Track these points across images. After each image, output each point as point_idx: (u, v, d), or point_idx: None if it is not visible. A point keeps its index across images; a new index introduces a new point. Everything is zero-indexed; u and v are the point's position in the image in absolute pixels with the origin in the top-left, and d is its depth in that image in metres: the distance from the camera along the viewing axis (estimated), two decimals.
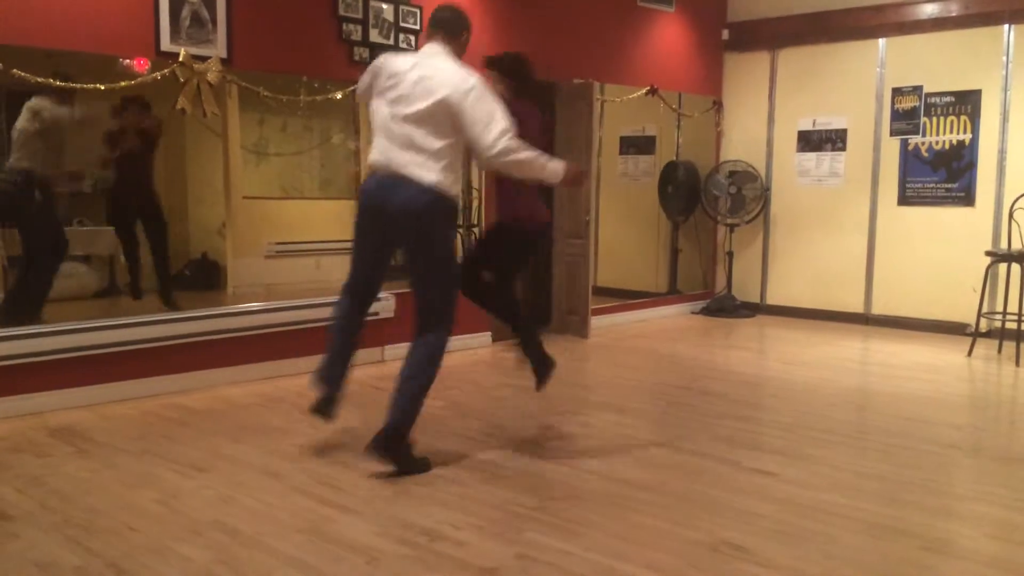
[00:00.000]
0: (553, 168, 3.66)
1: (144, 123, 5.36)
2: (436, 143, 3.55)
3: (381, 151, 3.64)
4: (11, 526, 3.06)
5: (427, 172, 3.53)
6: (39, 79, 4.53)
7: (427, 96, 3.54)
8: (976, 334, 6.69)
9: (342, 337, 3.93)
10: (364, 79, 3.85)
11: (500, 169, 3.69)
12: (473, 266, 4.39)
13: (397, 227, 3.62)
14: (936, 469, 3.88)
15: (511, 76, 4.23)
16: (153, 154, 5.51)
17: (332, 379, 3.92)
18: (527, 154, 3.57)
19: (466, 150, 3.71)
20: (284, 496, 3.39)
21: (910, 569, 2.83)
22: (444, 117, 3.53)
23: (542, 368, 4.30)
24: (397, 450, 3.62)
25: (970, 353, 6.53)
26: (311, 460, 3.84)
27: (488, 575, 2.73)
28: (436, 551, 2.90)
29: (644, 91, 7.78)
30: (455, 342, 6.23)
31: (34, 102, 4.80)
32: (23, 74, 4.45)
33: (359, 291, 3.94)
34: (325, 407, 3.91)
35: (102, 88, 4.78)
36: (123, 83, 4.84)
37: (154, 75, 4.90)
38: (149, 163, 5.51)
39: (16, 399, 4.48)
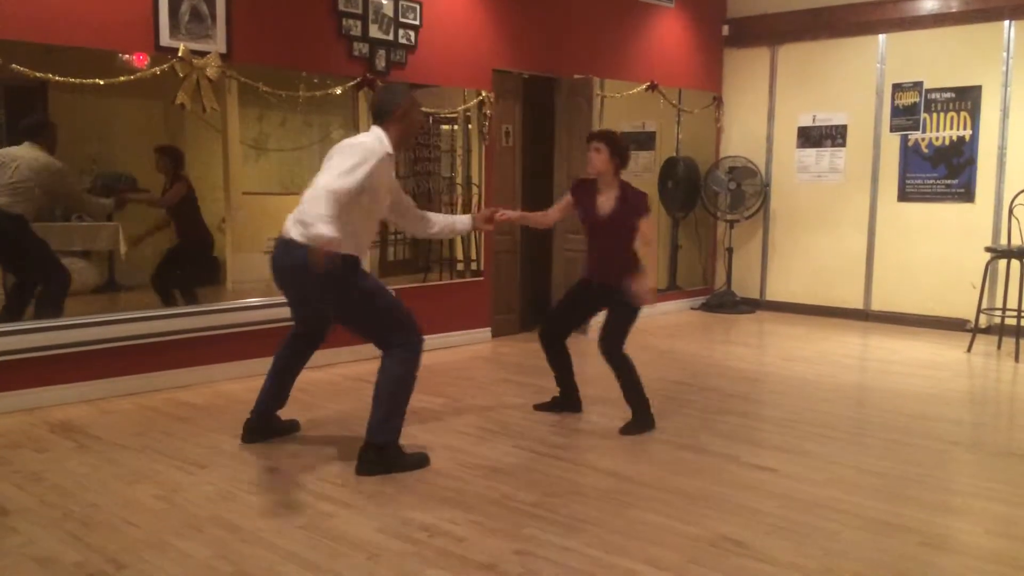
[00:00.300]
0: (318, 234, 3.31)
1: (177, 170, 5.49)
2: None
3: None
4: (10, 521, 3.06)
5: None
6: (38, 74, 4.52)
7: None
8: (976, 330, 6.69)
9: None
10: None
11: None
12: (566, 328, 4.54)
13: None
14: (935, 465, 3.89)
15: (619, 155, 4.31)
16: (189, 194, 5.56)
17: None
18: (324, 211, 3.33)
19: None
20: (284, 492, 3.39)
21: (909, 564, 2.84)
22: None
23: (641, 422, 4.33)
24: (384, 464, 3.62)
25: (970, 349, 6.53)
26: (311, 456, 3.84)
27: (487, 571, 2.73)
28: (436, 547, 2.90)
29: (644, 87, 7.77)
30: (450, 338, 6.27)
31: (28, 153, 4.81)
32: (22, 69, 4.44)
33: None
34: (251, 434, 4.05)
35: (101, 83, 4.77)
36: (122, 78, 4.83)
37: (153, 70, 4.89)
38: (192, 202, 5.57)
39: (16, 394, 4.48)
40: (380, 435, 3.63)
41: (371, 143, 3.62)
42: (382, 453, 3.63)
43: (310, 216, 3.29)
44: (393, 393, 3.67)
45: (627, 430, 4.26)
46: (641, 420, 4.31)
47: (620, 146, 4.28)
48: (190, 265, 5.66)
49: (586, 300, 4.46)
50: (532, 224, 4.73)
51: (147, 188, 5.46)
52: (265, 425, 4.08)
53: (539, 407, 4.65)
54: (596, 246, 4.38)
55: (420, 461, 3.74)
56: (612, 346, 4.27)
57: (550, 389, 4.68)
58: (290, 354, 4.11)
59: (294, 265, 3.54)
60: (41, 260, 4.96)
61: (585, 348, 4.36)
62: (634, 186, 4.37)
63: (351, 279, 3.64)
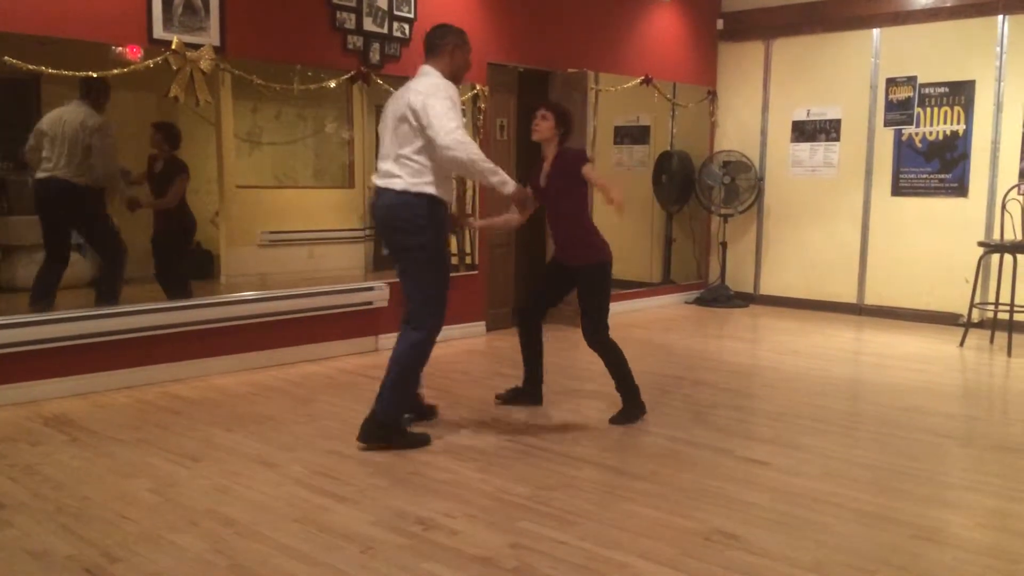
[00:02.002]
0: (501, 181, 3.85)
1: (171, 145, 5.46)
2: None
3: None
4: (4, 514, 3.06)
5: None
6: (31, 66, 4.50)
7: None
8: (968, 324, 6.72)
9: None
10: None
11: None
12: (539, 308, 4.52)
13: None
14: (928, 458, 3.90)
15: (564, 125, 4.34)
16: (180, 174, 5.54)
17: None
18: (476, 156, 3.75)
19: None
20: (279, 485, 3.40)
21: (902, 557, 2.85)
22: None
23: (632, 411, 4.34)
24: (381, 435, 3.80)
25: (962, 343, 6.55)
26: (305, 449, 3.84)
27: (482, 564, 2.74)
28: (430, 540, 2.91)
29: (639, 81, 7.77)
30: (446, 331, 6.26)
31: (101, 124, 4.99)
32: (15, 61, 4.42)
33: None
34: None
35: (95, 76, 4.75)
36: (115, 71, 4.81)
37: (147, 63, 4.87)
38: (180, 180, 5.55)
39: (10, 387, 4.48)
40: (383, 408, 3.81)
41: (437, 82, 3.80)
42: (384, 426, 3.80)
43: (478, 174, 3.78)
44: (402, 370, 3.84)
45: (617, 419, 4.28)
46: (631, 409, 4.32)
47: (566, 116, 4.32)
48: (173, 251, 5.62)
49: (557, 279, 4.44)
50: (499, 227, 4.77)
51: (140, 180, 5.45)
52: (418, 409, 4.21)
53: (501, 399, 4.61)
54: (550, 220, 4.37)
55: (421, 440, 3.87)
56: (595, 331, 4.25)
57: (545, 384, 4.67)
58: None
59: (401, 214, 3.77)
60: (103, 236, 5.14)
61: (578, 339, 4.36)
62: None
63: (445, 226, 3.90)
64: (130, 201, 5.32)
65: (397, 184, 3.76)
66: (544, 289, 4.52)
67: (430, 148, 3.74)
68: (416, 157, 3.77)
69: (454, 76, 3.94)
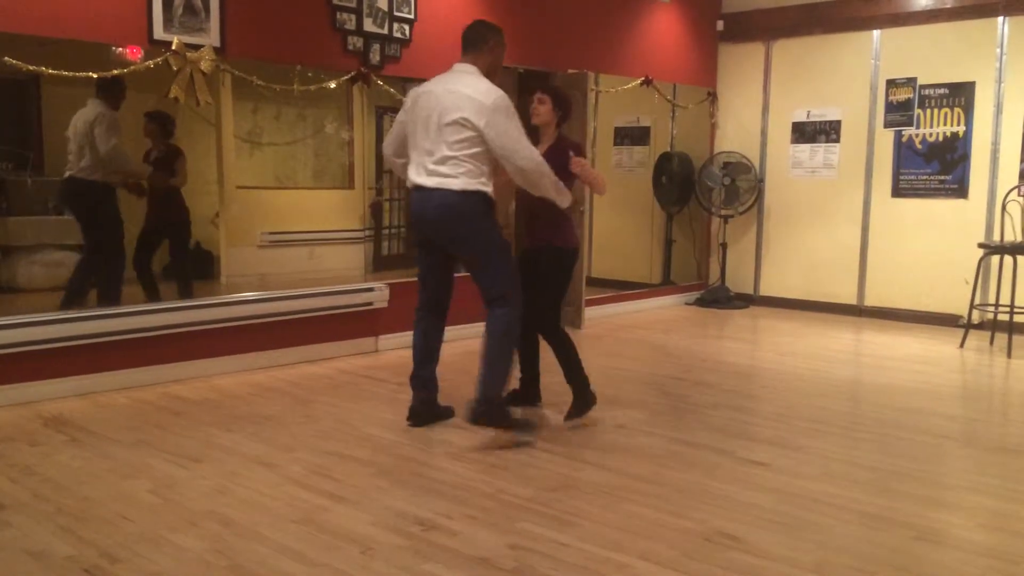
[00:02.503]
0: (560, 194, 4.06)
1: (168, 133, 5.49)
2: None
3: None
4: (3, 515, 3.06)
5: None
6: (31, 67, 4.50)
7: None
8: (968, 326, 6.72)
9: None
10: None
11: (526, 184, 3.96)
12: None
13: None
14: (928, 459, 3.90)
15: (561, 107, 4.30)
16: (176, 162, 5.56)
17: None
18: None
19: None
20: (278, 486, 3.39)
21: (903, 558, 2.85)
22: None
23: (582, 402, 4.30)
24: (490, 416, 3.88)
25: (962, 345, 6.55)
26: (305, 450, 3.84)
27: (482, 565, 2.73)
28: (430, 541, 2.90)
29: (639, 82, 7.77)
30: (450, 332, 6.26)
31: (106, 116, 5.03)
32: (15, 62, 4.42)
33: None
34: (417, 416, 4.22)
35: (95, 76, 4.75)
36: (116, 71, 4.81)
37: (147, 63, 4.87)
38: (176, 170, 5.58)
39: (9, 388, 4.47)
40: (483, 389, 3.89)
41: (493, 91, 3.84)
42: (488, 401, 3.86)
43: (543, 188, 3.94)
44: (498, 347, 3.92)
45: (570, 415, 4.25)
46: (582, 401, 4.28)
47: (564, 100, 4.28)
48: (171, 244, 5.62)
49: (531, 274, 4.25)
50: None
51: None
52: (429, 411, 4.23)
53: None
54: (528, 204, 4.24)
55: (527, 424, 3.99)
56: (542, 317, 4.22)
57: (545, 384, 4.66)
58: (431, 330, 4.24)
59: (463, 212, 3.85)
60: (106, 238, 5.17)
61: (579, 340, 4.36)
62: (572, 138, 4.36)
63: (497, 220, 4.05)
64: (138, 186, 5.34)
65: (455, 184, 3.82)
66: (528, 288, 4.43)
67: (486, 154, 3.84)
68: (472, 160, 3.83)
69: (489, 75, 3.96)
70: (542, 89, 4.34)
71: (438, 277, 4.18)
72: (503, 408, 3.96)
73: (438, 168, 3.85)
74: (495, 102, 3.80)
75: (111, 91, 5.05)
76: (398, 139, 4.15)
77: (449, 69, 4.03)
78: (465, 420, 3.93)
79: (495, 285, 3.96)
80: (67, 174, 5.10)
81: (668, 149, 8.43)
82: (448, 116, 3.81)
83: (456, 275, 4.26)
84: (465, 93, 3.82)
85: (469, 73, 3.93)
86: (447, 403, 4.35)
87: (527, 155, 3.83)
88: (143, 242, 5.46)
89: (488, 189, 3.90)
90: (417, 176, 3.93)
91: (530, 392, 4.58)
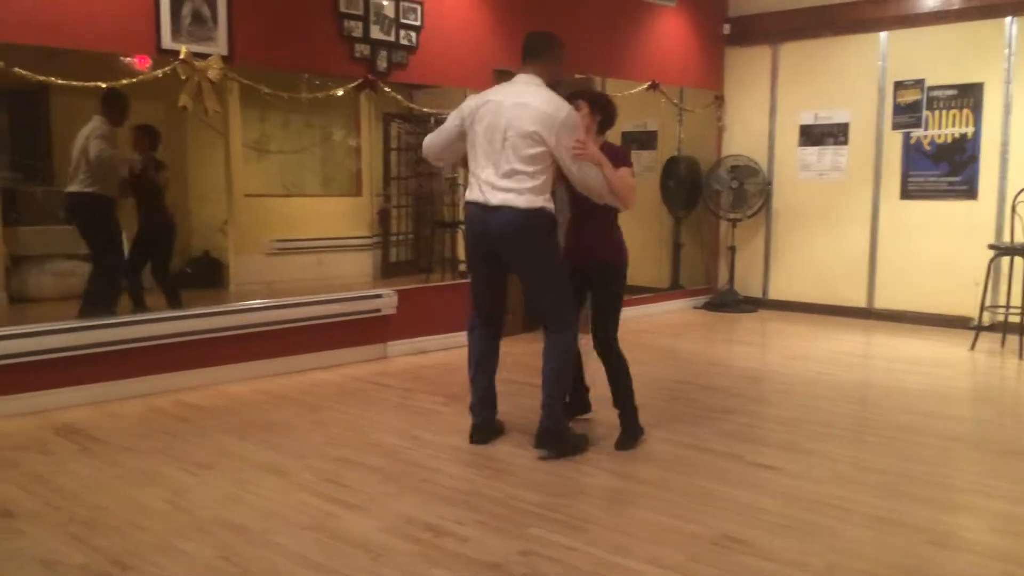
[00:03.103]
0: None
1: (152, 146, 5.56)
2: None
3: None
4: (16, 523, 3.08)
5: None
6: (40, 77, 4.53)
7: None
8: (979, 328, 6.69)
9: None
10: None
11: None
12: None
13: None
14: (939, 462, 3.88)
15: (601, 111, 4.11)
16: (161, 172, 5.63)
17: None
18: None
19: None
20: (289, 493, 3.40)
21: (913, 562, 2.84)
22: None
23: (630, 434, 4.11)
24: (558, 445, 3.85)
25: (973, 347, 6.53)
26: (316, 457, 3.85)
27: (493, 571, 2.74)
28: (440, 547, 2.91)
29: (645, 86, 7.78)
30: (454, 339, 6.28)
31: (100, 128, 5.13)
32: (25, 72, 4.45)
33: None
34: (481, 433, 4.11)
35: (104, 86, 4.79)
36: (124, 81, 4.84)
37: (155, 73, 4.90)
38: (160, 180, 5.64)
39: (21, 397, 4.50)
40: (552, 422, 3.86)
41: (565, 107, 3.79)
42: (558, 432, 3.86)
43: (603, 197, 3.86)
44: (559, 376, 3.89)
45: (624, 444, 4.04)
46: (634, 429, 4.11)
47: (602, 103, 4.10)
48: (155, 252, 5.64)
49: (582, 291, 4.15)
50: None
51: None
52: (491, 427, 4.16)
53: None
54: (576, 216, 4.09)
55: (582, 443, 3.96)
56: (607, 338, 4.09)
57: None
58: (486, 346, 4.15)
59: (528, 228, 3.79)
60: (104, 249, 5.27)
61: (586, 345, 4.35)
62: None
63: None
64: (124, 183, 5.42)
65: (520, 201, 3.74)
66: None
67: (552, 169, 3.81)
68: (539, 176, 3.77)
69: (551, 86, 3.91)
70: (579, 94, 4.11)
71: (494, 291, 4.11)
72: (572, 436, 3.93)
73: (503, 183, 3.75)
74: (566, 118, 3.73)
75: (113, 107, 5.13)
76: (445, 143, 4.02)
77: (512, 81, 3.93)
78: (535, 448, 3.88)
79: (555, 306, 3.89)
80: (66, 189, 5.21)
81: (675, 153, 8.43)
82: (518, 129, 3.72)
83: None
84: (535, 106, 3.73)
85: (536, 85, 3.84)
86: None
87: (594, 174, 3.78)
88: (133, 252, 5.52)
89: (551, 206, 3.84)
90: (480, 192, 3.82)
91: (582, 402, 4.45)
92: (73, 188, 5.19)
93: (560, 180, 3.94)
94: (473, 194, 3.88)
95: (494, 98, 3.85)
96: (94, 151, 5.12)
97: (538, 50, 3.94)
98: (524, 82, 3.87)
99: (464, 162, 4.05)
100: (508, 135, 3.74)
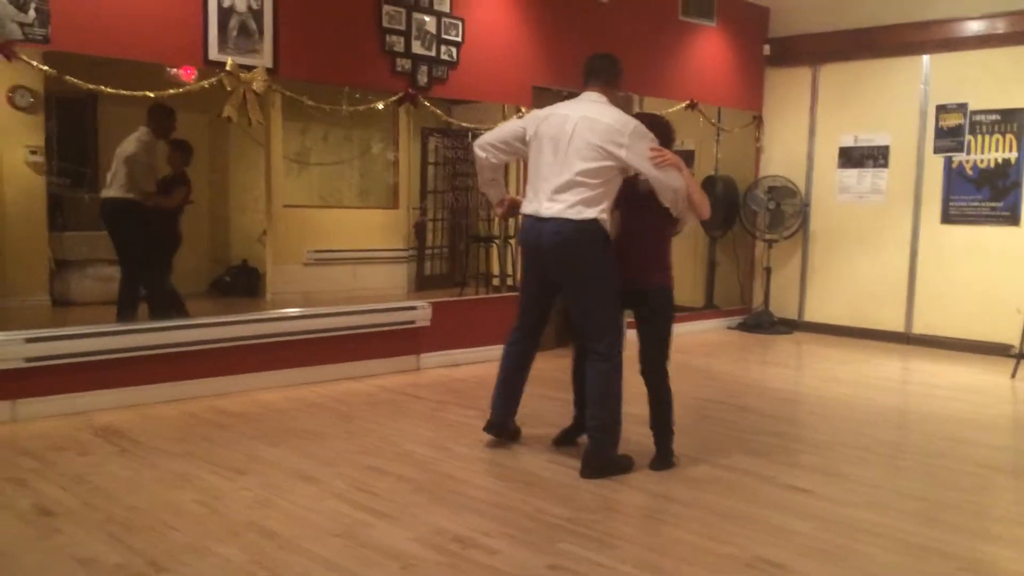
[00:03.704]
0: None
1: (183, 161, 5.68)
2: None
3: None
4: (54, 522, 3.13)
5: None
6: (90, 86, 4.64)
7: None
8: (1020, 356, 6.57)
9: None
10: None
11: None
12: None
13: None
14: (976, 490, 3.82)
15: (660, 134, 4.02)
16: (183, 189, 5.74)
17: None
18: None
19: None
20: (321, 500, 3.43)
21: None
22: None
23: (663, 458, 4.02)
24: (607, 470, 3.83)
25: (1014, 375, 6.41)
26: (347, 465, 3.87)
27: None
28: (469, 559, 2.91)
29: (684, 105, 7.77)
30: (487, 352, 6.30)
31: (143, 136, 5.33)
32: (76, 81, 4.56)
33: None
34: (494, 427, 4.22)
35: (151, 96, 4.89)
36: (171, 91, 4.94)
37: (201, 83, 5.00)
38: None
39: (61, 398, 4.58)
40: (602, 450, 3.84)
41: (627, 118, 3.82)
42: (608, 465, 3.84)
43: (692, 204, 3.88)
44: (608, 402, 3.87)
45: (659, 465, 3.98)
46: (669, 453, 4.03)
47: (659, 124, 4.03)
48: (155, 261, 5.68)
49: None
50: None
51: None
52: (506, 426, 4.26)
53: (558, 442, 4.27)
54: (626, 234, 3.96)
55: (628, 465, 3.92)
56: (656, 364, 3.99)
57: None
58: (518, 362, 4.23)
59: (580, 240, 3.78)
60: (134, 254, 5.40)
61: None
62: None
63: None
64: (149, 196, 5.51)
65: (572, 213, 3.75)
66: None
67: (613, 188, 3.82)
68: (597, 189, 3.77)
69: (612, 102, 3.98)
70: (635, 115, 4.03)
71: (541, 305, 4.17)
72: (617, 461, 3.90)
73: (559, 196, 3.77)
74: (634, 130, 3.76)
75: (158, 120, 5.29)
76: (503, 141, 4.05)
77: (577, 98, 3.98)
78: (582, 476, 3.79)
79: (600, 328, 3.86)
80: (102, 195, 5.35)
81: (713, 173, 8.40)
82: (585, 141, 3.75)
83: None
84: (604, 122, 3.77)
85: (602, 103, 3.89)
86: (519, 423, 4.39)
87: (677, 176, 3.78)
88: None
89: (605, 217, 3.82)
90: (536, 204, 3.86)
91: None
92: (109, 194, 5.30)
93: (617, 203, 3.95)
94: (530, 207, 3.92)
95: (562, 111, 3.91)
96: (129, 152, 5.29)
97: (605, 72, 3.99)
98: (591, 100, 3.92)
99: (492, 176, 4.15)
100: (573, 146, 3.77)
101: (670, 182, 3.77)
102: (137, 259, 5.40)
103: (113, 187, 5.30)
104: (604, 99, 3.92)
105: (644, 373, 4.02)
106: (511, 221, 6.52)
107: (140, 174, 5.35)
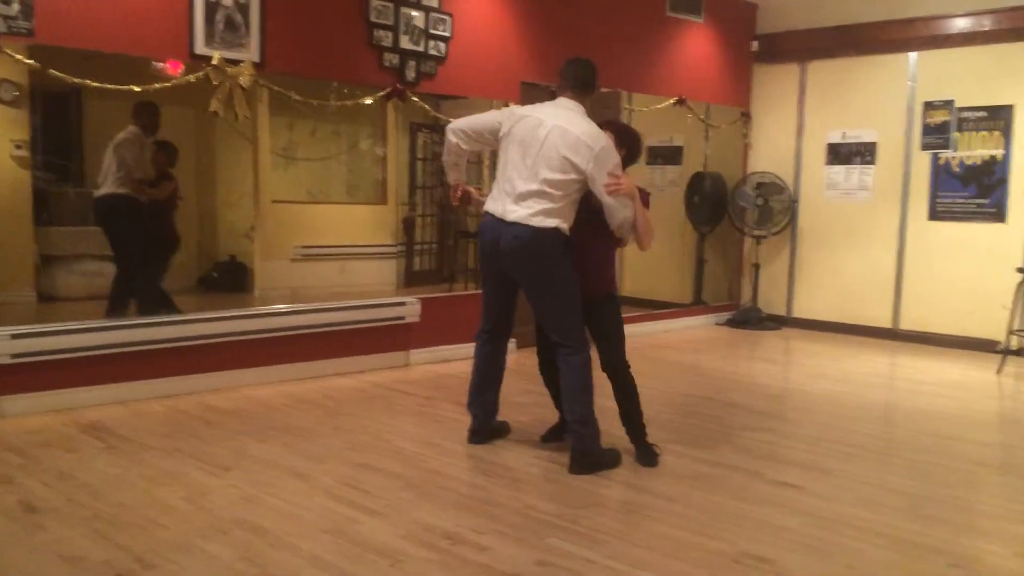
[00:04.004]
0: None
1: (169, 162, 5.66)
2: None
3: None
4: (39, 519, 3.11)
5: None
6: (75, 80, 4.60)
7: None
8: (1006, 351, 6.61)
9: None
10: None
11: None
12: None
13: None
14: (963, 486, 3.84)
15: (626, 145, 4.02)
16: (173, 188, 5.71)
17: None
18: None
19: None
20: (309, 497, 3.41)
21: None
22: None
23: (647, 456, 4.04)
24: (593, 466, 3.85)
25: (999, 371, 6.45)
26: (336, 462, 3.86)
27: None
28: (458, 555, 2.91)
29: (672, 101, 7.78)
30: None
31: (133, 131, 5.30)
32: (60, 74, 4.52)
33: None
34: (477, 435, 4.25)
35: (137, 90, 4.85)
36: (157, 85, 4.90)
37: (188, 77, 4.96)
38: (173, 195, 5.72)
39: (47, 394, 4.55)
40: (584, 444, 3.85)
41: (599, 134, 3.80)
42: (591, 453, 3.85)
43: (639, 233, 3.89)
44: (583, 397, 3.87)
45: (647, 460, 4.00)
46: (646, 445, 4.05)
47: (630, 137, 4.02)
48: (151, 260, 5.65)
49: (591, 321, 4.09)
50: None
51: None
52: (488, 429, 4.27)
53: (546, 439, 4.31)
54: (576, 245, 3.89)
55: (615, 459, 3.94)
56: (616, 357, 4.00)
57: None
58: (495, 355, 4.26)
59: (540, 247, 3.78)
60: (131, 251, 5.37)
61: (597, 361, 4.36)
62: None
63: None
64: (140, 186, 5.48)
65: (535, 221, 3.74)
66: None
67: (577, 197, 3.82)
68: (561, 201, 3.76)
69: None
70: (608, 124, 4.03)
71: (503, 303, 4.14)
72: (603, 455, 3.90)
73: (524, 202, 3.76)
74: (602, 150, 3.73)
75: (146, 116, 5.27)
76: (475, 130, 4.00)
77: (553, 103, 3.92)
78: (571, 473, 3.81)
79: (564, 328, 3.88)
80: (95, 193, 5.32)
81: (701, 169, 8.42)
82: (555, 151, 3.73)
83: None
84: (575, 133, 3.74)
85: (579, 113, 3.86)
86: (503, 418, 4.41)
87: (627, 207, 3.77)
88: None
89: (566, 227, 3.81)
90: (501, 204, 3.85)
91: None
92: (103, 191, 5.27)
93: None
94: (493, 205, 3.90)
95: (538, 115, 3.87)
96: (122, 143, 5.27)
97: (585, 82, 3.94)
98: (567, 108, 3.88)
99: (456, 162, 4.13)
100: (543, 154, 3.75)
101: (621, 211, 3.77)
102: (134, 256, 5.37)
103: (107, 183, 5.26)
104: (580, 108, 3.88)
105: (606, 368, 4.03)
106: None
107: (134, 162, 5.32)
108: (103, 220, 5.37)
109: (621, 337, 4.05)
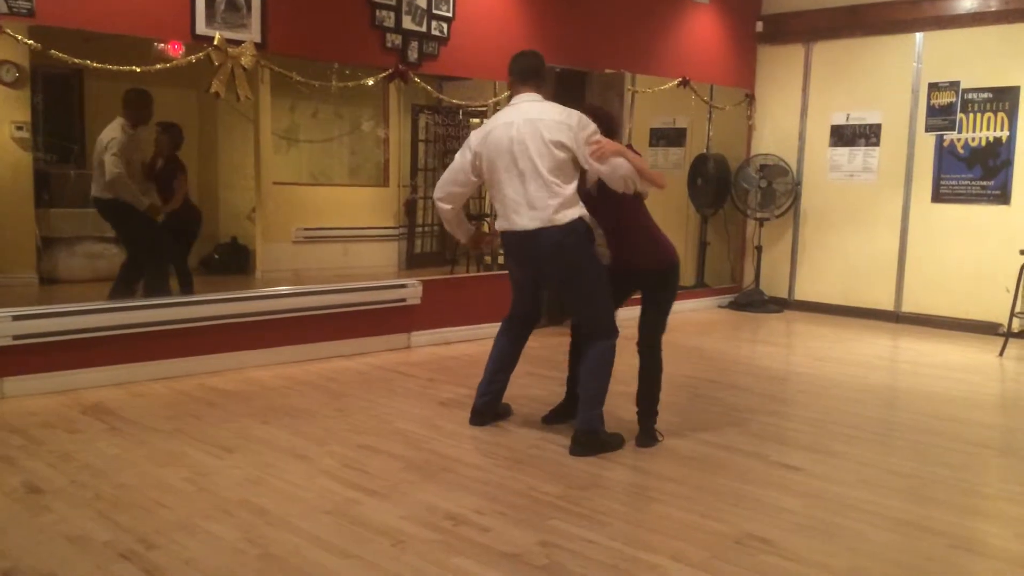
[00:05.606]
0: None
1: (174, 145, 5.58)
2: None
3: None
4: (43, 500, 3.12)
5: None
6: (76, 60, 4.57)
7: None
8: (1008, 334, 6.60)
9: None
10: None
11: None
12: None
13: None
14: (966, 468, 3.84)
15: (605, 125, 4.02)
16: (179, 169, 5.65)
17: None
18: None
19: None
20: (311, 478, 3.42)
21: (938, 567, 2.81)
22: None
23: (647, 438, 4.05)
24: (596, 447, 3.85)
25: (1002, 353, 6.44)
26: (338, 443, 3.87)
27: (512, 560, 2.74)
28: (460, 535, 2.91)
29: (676, 83, 7.74)
30: (477, 330, 6.30)
31: (117, 139, 5.13)
32: (61, 55, 4.50)
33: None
34: (479, 416, 4.27)
35: (138, 71, 4.82)
36: (158, 66, 4.88)
37: (189, 58, 4.94)
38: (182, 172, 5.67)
39: (50, 376, 4.55)
40: (589, 424, 3.86)
41: (569, 110, 3.82)
42: (595, 439, 3.86)
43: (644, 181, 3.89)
44: (598, 380, 3.90)
45: (646, 442, 4.02)
46: (652, 430, 4.06)
47: (606, 118, 4.04)
48: (180, 245, 5.66)
49: (616, 287, 4.09)
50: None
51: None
52: (491, 411, 4.30)
53: (548, 420, 4.31)
54: (608, 228, 3.99)
55: (617, 442, 3.94)
56: (656, 338, 4.08)
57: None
58: (517, 340, 4.28)
59: (574, 243, 3.78)
60: (140, 245, 5.37)
61: None
62: None
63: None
64: (151, 208, 5.43)
65: (558, 218, 3.72)
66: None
67: (577, 174, 3.81)
68: (568, 185, 3.76)
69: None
70: (583, 108, 4.00)
71: (532, 292, 4.19)
72: (608, 438, 3.92)
73: (536, 203, 3.73)
74: (579, 120, 3.75)
75: (134, 107, 5.15)
76: (455, 183, 4.00)
77: (511, 104, 3.92)
78: (572, 454, 3.81)
79: (596, 316, 3.91)
80: (92, 193, 5.23)
81: (704, 151, 8.38)
82: (541, 141, 3.72)
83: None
84: (549, 117, 3.75)
85: (541, 101, 3.87)
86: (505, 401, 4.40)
87: (621, 162, 3.76)
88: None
89: (586, 213, 3.81)
90: (517, 218, 3.79)
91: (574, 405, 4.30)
92: (95, 193, 5.20)
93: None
94: (507, 223, 3.86)
95: (501, 122, 3.85)
96: (111, 174, 5.11)
97: (536, 71, 3.96)
98: (531, 100, 3.88)
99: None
100: (530, 151, 3.73)
101: (617, 171, 3.77)
102: (142, 246, 5.37)
103: (98, 186, 5.17)
104: (540, 97, 3.89)
105: (642, 346, 4.07)
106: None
107: (123, 190, 5.20)
108: (108, 221, 5.34)
109: (667, 314, 4.15)
